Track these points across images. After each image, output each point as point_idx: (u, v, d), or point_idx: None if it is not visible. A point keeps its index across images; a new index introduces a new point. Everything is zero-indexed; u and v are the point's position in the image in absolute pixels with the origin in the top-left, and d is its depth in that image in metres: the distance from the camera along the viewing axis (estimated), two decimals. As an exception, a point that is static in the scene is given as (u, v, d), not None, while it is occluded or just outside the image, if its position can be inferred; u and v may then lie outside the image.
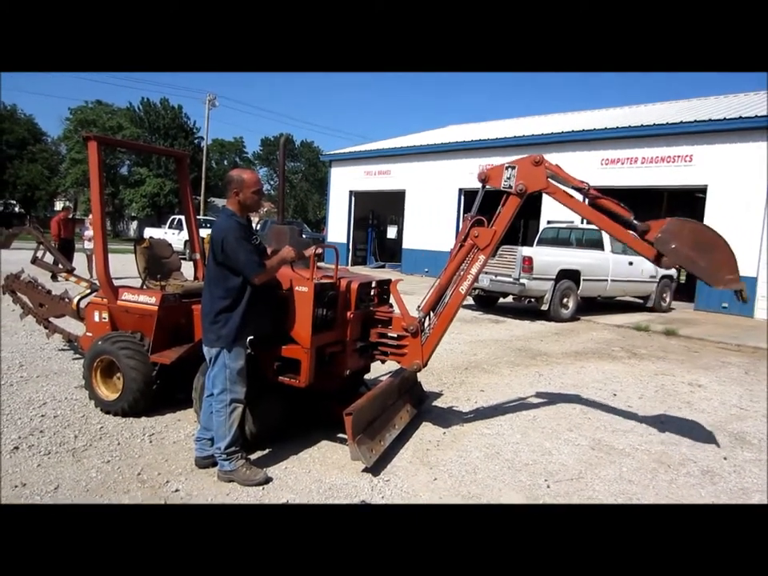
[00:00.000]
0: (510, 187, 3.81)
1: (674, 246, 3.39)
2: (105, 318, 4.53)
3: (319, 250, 3.70)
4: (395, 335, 4.02)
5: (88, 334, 4.67)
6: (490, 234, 3.89)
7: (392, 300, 4.31)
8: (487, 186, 3.99)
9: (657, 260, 3.55)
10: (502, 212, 3.91)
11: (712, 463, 4.06)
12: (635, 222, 3.61)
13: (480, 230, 3.91)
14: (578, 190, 3.81)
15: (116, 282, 4.59)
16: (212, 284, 3.31)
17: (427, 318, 4.06)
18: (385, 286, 4.37)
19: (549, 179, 3.77)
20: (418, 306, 4.10)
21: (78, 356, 5.78)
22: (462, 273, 4.00)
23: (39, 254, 6.22)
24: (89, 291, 5.39)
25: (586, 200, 4.01)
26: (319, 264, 4.18)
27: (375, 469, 3.55)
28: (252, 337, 3.47)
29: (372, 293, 4.24)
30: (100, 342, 4.28)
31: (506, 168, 3.82)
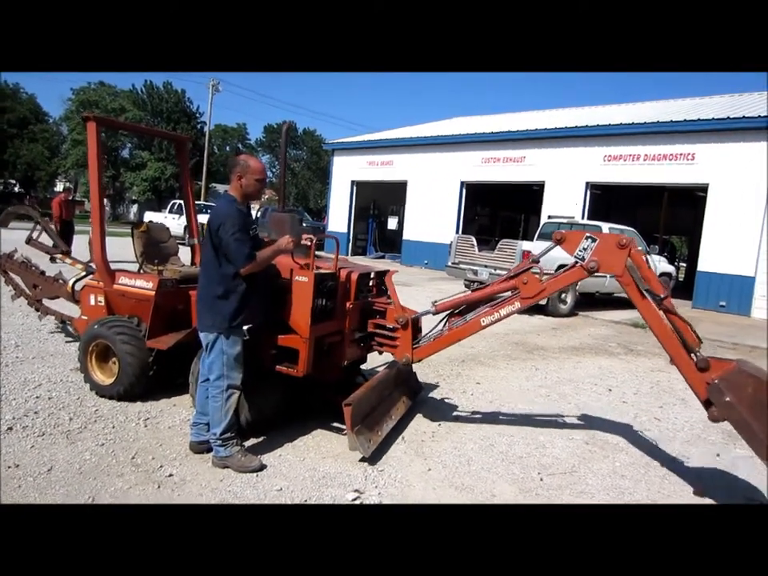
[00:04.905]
0: (583, 259, 3.48)
1: (728, 400, 2.91)
2: (101, 302, 4.51)
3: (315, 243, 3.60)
4: (390, 327, 3.99)
5: (83, 317, 4.66)
6: (537, 289, 3.62)
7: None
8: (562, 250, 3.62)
9: (707, 405, 3.09)
10: (560, 276, 3.67)
11: (705, 460, 4.07)
12: (698, 352, 3.20)
13: (531, 279, 3.63)
14: (652, 295, 3.33)
15: (115, 266, 4.57)
16: (208, 269, 3.28)
17: (446, 320, 3.98)
18: (383, 277, 4.36)
19: (627, 268, 3.37)
20: (434, 302, 3.97)
21: (73, 338, 5.77)
22: (493, 304, 3.79)
23: (35, 234, 6.15)
24: (84, 274, 5.36)
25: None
26: (319, 253, 4.16)
27: (372, 459, 3.55)
28: (248, 326, 3.45)
29: (371, 283, 4.23)
30: (96, 326, 4.26)
31: (586, 238, 3.49)
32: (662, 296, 3.31)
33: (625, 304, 13.27)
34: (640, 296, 3.35)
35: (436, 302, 3.98)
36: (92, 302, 4.57)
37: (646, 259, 3.46)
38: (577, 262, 3.53)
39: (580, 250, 3.51)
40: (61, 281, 5.62)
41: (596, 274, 3.51)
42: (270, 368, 3.61)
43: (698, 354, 3.21)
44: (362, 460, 3.51)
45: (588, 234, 3.52)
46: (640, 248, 3.47)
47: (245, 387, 3.39)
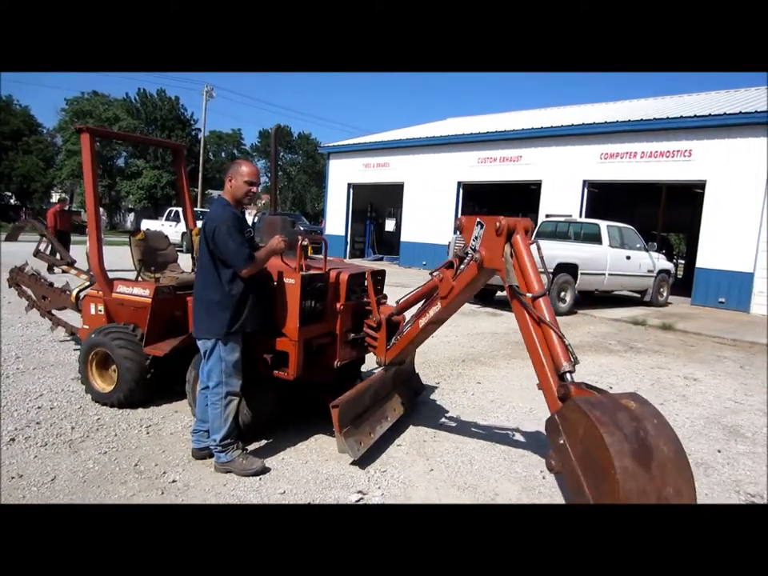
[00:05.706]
0: (474, 250, 2.94)
1: (562, 443, 2.29)
2: (100, 311, 4.53)
3: (305, 242, 3.58)
4: (374, 327, 3.96)
5: (85, 326, 4.67)
6: (448, 287, 3.27)
7: (385, 291, 4.27)
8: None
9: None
10: (462, 272, 3.19)
11: (706, 455, 4.08)
12: (567, 372, 2.60)
13: (446, 276, 3.26)
14: (519, 292, 2.81)
15: (113, 275, 4.58)
16: (204, 274, 3.27)
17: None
18: (379, 277, 4.36)
19: (506, 258, 2.79)
20: (398, 300, 3.96)
21: (74, 348, 5.78)
22: (422, 306, 3.63)
23: (41, 246, 6.26)
24: (88, 284, 5.40)
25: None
26: (315, 255, 4.16)
27: (365, 461, 3.53)
28: (246, 331, 3.44)
29: (365, 283, 4.23)
30: (94, 335, 4.29)
31: (477, 224, 2.94)
32: (532, 295, 2.71)
33: (624, 302, 13.32)
34: (510, 294, 2.78)
35: (399, 300, 3.95)
36: (92, 312, 4.59)
37: (538, 248, 2.93)
38: (473, 256, 2.97)
39: (473, 239, 2.95)
40: (67, 291, 5.67)
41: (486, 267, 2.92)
42: (263, 372, 3.60)
43: (564, 375, 2.59)
44: (353, 463, 3.50)
45: (479, 220, 2.96)
46: (533, 238, 2.92)
47: (242, 391, 3.38)
